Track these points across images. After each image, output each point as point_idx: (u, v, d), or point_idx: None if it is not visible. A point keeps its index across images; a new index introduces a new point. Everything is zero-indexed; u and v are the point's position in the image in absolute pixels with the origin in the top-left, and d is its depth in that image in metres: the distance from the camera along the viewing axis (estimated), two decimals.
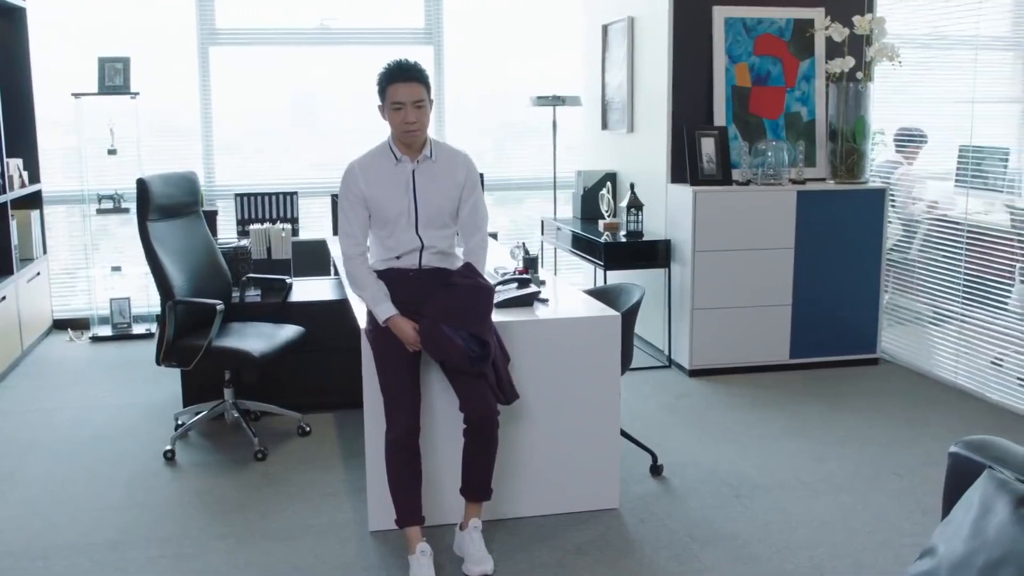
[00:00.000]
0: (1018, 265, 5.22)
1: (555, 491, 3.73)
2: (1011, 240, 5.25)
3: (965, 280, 5.40)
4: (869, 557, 3.37)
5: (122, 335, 6.64)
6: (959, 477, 2.35)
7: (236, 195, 6.54)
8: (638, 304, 3.96)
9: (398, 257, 3.39)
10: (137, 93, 6.48)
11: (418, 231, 3.37)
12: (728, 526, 3.62)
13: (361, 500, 3.84)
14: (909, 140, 6.03)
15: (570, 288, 4.25)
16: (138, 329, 6.70)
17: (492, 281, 3.61)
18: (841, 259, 5.65)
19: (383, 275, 3.40)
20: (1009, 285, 5.21)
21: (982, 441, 2.36)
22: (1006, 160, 5.40)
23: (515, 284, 3.95)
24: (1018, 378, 5.09)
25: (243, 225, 6.49)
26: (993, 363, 5.30)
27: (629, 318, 3.88)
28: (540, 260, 5.10)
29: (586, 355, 3.66)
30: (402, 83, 3.25)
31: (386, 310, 3.31)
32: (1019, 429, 4.63)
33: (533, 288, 3.89)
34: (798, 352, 5.68)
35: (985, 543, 2.04)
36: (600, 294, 4.22)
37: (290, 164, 7.19)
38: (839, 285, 5.68)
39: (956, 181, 5.53)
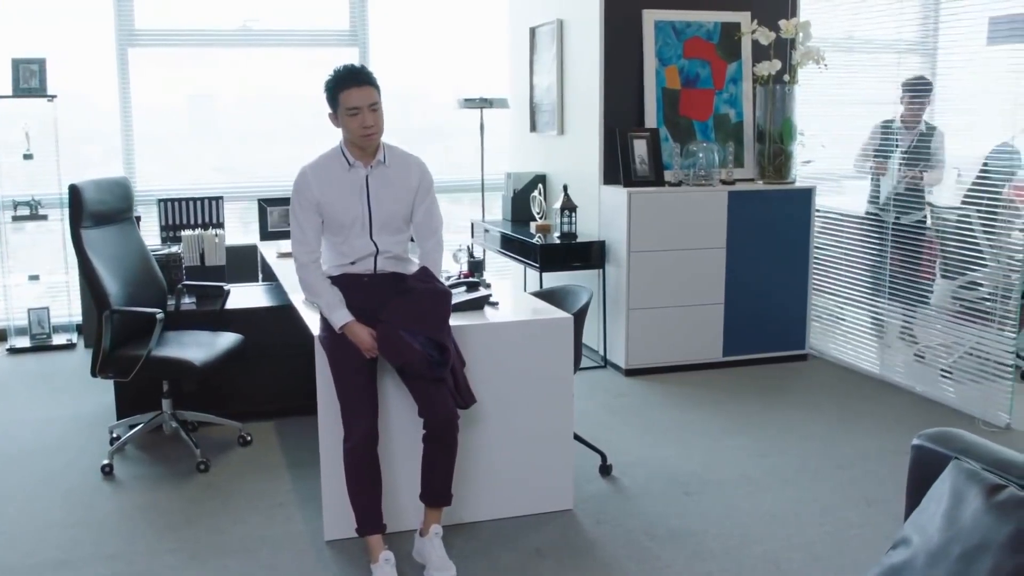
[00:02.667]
0: (939, 261, 5.41)
1: (511, 494, 3.73)
2: (932, 239, 5.45)
3: (891, 277, 5.57)
4: (821, 548, 3.46)
5: (41, 346, 6.41)
6: (924, 468, 2.42)
7: (159, 200, 6.36)
8: (587, 305, 3.99)
9: (352, 263, 3.36)
10: (54, 96, 6.26)
11: (372, 236, 3.34)
12: (682, 523, 3.67)
13: (312, 509, 3.79)
14: (919, 88, 5.56)
15: (517, 291, 4.25)
16: (58, 340, 6.48)
17: None
18: (771, 258, 5.77)
19: (337, 281, 3.36)
20: (930, 281, 5.41)
21: (944, 433, 2.43)
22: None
23: (464, 288, 3.94)
24: (941, 370, 5.28)
25: (167, 231, 6.32)
26: (915, 357, 5.49)
27: (579, 319, 3.90)
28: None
29: (539, 357, 3.67)
30: (355, 87, 3.22)
31: (342, 316, 3.27)
32: (946, 419, 4.79)
33: (484, 291, 3.88)
34: (731, 350, 5.79)
35: (960, 532, 2.11)
36: (547, 296, 4.23)
37: (211, 168, 7.04)
38: (769, 283, 5.80)
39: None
